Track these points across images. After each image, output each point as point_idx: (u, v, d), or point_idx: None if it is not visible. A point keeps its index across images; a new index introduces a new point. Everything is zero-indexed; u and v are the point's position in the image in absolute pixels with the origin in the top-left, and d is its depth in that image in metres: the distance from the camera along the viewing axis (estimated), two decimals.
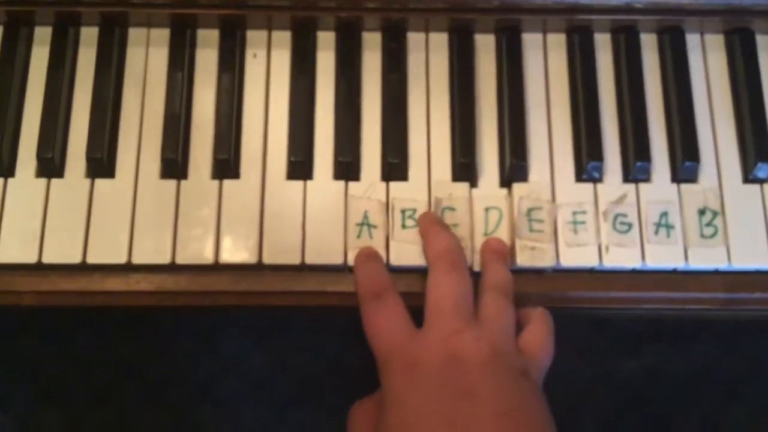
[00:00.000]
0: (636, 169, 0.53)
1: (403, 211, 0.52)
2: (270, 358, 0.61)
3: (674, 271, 0.52)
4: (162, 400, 0.59)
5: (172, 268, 0.50)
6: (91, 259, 0.49)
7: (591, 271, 0.52)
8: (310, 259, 0.51)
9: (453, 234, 0.50)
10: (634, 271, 0.52)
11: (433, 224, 0.51)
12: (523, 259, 0.51)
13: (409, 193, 0.52)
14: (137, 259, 0.50)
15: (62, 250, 0.49)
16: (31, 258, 0.49)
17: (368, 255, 0.50)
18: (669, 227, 0.52)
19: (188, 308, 0.51)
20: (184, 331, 0.61)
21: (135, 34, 0.55)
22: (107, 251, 0.50)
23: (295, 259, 0.51)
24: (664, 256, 0.52)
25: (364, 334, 0.48)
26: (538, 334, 0.49)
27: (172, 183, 0.51)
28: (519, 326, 0.50)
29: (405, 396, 0.45)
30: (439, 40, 0.56)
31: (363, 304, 0.49)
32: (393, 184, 0.53)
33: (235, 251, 0.50)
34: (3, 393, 0.58)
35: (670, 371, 0.63)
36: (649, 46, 0.56)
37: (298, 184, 0.52)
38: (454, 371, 0.44)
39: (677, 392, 0.62)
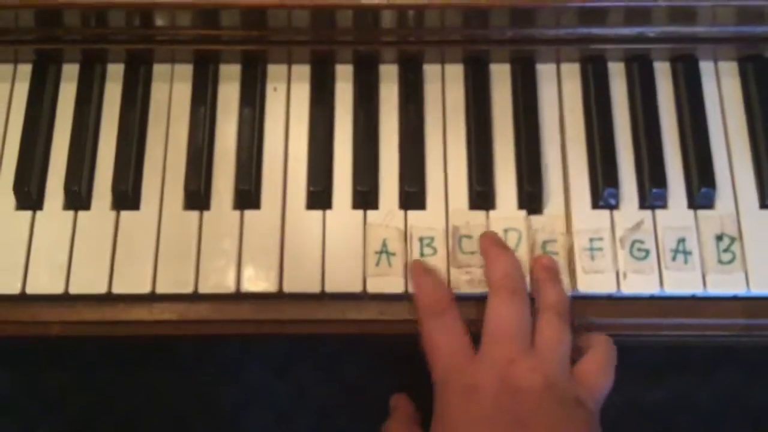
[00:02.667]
0: (652, 195, 0.53)
1: (421, 239, 0.53)
2: (291, 388, 0.61)
3: (693, 297, 0.52)
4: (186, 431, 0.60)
5: (195, 297, 0.51)
6: (117, 289, 0.51)
7: (609, 298, 0.52)
8: (329, 288, 0.52)
9: (513, 256, 0.51)
10: (652, 298, 0.52)
11: (492, 246, 0.51)
12: None
13: (427, 222, 0.53)
14: (161, 289, 0.51)
15: (89, 281, 0.51)
16: (58, 289, 0.50)
17: (424, 268, 0.51)
18: (686, 253, 0.52)
19: (210, 337, 0.52)
20: (206, 362, 0.62)
21: (159, 69, 0.56)
22: (132, 281, 0.51)
23: (315, 288, 0.51)
24: (682, 282, 0.52)
25: (422, 348, 0.49)
26: (596, 363, 0.49)
27: (195, 214, 0.53)
28: (579, 351, 0.49)
29: (460, 419, 0.46)
30: (455, 71, 0.57)
31: (424, 320, 0.49)
32: (411, 213, 0.53)
33: (257, 280, 0.51)
34: (29, 426, 0.59)
35: (696, 400, 0.62)
36: (663, 73, 0.57)
37: (317, 214, 0.53)
38: (509, 400, 0.45)
39: (704, 422, 0.62)
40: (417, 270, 0.51)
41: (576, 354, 0.49)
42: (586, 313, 0.52)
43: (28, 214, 0.52)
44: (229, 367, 0.62)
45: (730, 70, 0.57)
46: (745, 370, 0.63)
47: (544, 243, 0.52)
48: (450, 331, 0.49)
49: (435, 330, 0.49)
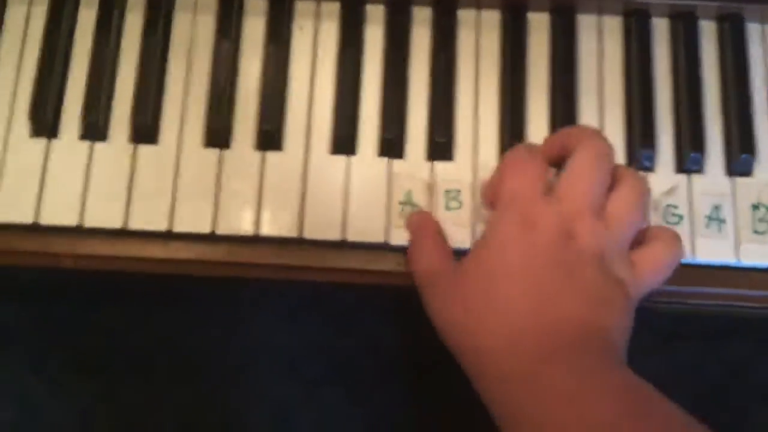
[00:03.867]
0: (689, 159, 0.51)
1: (447, 192, 0.51)
2: (303, 338, 0.60)
3: (725, 267, 0.51)
4: (193, 377, 0.59)
5: (212, 238, 0.49)
6: (132, 225, 0.49)
7: None
8: (351, 236, 0.50)
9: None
10: (683, 265, 0.51)
11: (584, 130, 0.50)
12: None
13: (455, 174, 0.51)
14: (178, 227, 0.49)
15: (103, 214, 0.49)
16: (72, 220, 0.49)
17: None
18: (721, 221, 0.51)
19: (226, 279, 0.50)
20: (217, 307, 0.60)
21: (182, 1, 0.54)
22: (148, 217, 0.49)
23: (335, 235, 0.50)
24: (714, 251, 0.50)
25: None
26: (656, 257, 0.47)
27: (215, 152, 0.51)
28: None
29: (511, 248, 0.45)
30: (491, 18, 0.54)
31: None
32: (438, 164, 0.51)
33: (276, 224, 0.50)
34: (38, 358, 0.58)
35: (702, 372, 0.61)
36: (708, 33, 0.54)
37: (341, 159, 0.51)
38: (564, 248, 0.45)
39: (710, 393, 0.61)
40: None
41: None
42: None
43: (43, 141, 0.50)
44: (241, 314, 0.61)
45: None
46: (755, 343, 0.62)
47: None
48: (534, 168, 0.47)
49: (520, 160, 0.48)
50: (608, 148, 0.48)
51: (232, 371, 0.59)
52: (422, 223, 0.50)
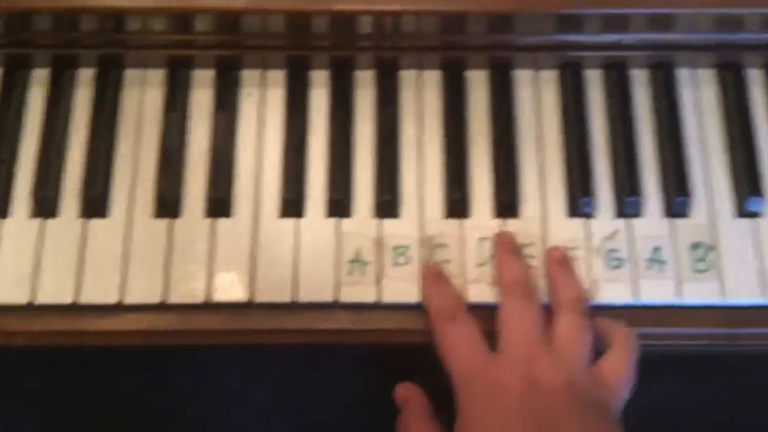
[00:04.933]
0: (627, 204, 0.53)
1: (395, 248, 0.52)
2: (270, 391, 0.60)
3: (670, 307, 0.52)
4: None
5: (164, 307, 0.50)
6: (84, 299, 0.50)
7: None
8: (302, 297, 0.51)
9: (525, 263, 0.51)
10: (627, 307, 0.52)
11: (504, 254, 0.51)
12: None
13: (402, 230, 0.52)
14: (129, 299, 0.50)
15: (55, 290, 0.50)
16: (23, 298, 0.49)
17: (436, 274, 0.51)
18: (662, 262, 0.52)
19: (180, 347, 0.51)
20: (183, 366, 0.61)
21: (131, 75, 0.56)
22: (99, 291, 0.50)
23: (286, 297, 0.51)
24: (657, 291, 0.51)
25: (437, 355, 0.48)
26: (618, 364, 0.48)
27: (165, 222, 0.52)
28: (599, 342, 0.49)
29: (486, 420, 0.45)
30: (432, 78, 0.56)
31: (437, 325, 0.49)
32: (385, 221, 0.53)
33: (227, 290, 0.51)
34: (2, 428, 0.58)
35: (677, 406, 0.61)
36: (640, 81, 0.56)
37: (290, 222, 0.52)
38: (536, 398, 0.45)
39: (682, 427, 0.61)
40: (428, 276, 0.51)
41: (594, 342, 0.48)
42: None
43: None
44: (206, 371, 0.61)
45: (707, 78, 0.57)
46: (729, 378, 0.62)
47: (522, 247, 0.52)
48: (467, 334, 0.48)
49: (450, 334, 0.48)
50: (525, 274, 0.49)
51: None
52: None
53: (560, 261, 0.51)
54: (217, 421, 0.60)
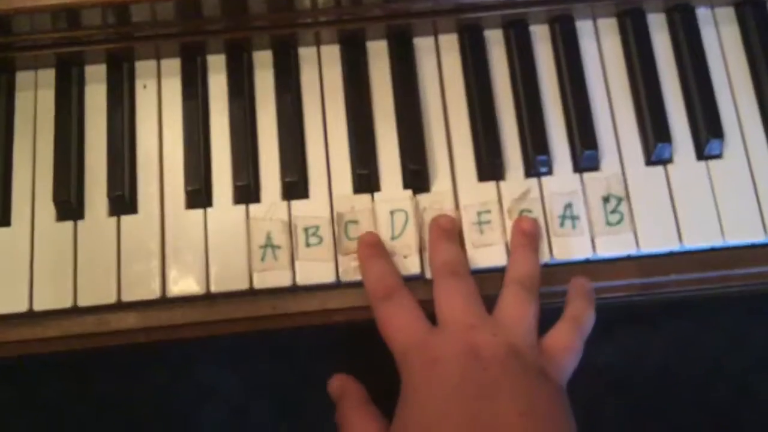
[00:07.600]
0: (536, 162, 0.53)
1: (306, 229, 0.52)
2: (246, 382, 0.58)
3: (586, 262, 0.52)
4: None
5: (76, 311, 0.50)
6: None
7: (502, 270, 0.52)
8: (216, 288, 0.50)
9: (455, 245, 0.50)
10: (545, 266, 0.52)
11: (435, 240, 0.50)
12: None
13: (311, 211, 0.52)
14: (39, 306, 0.49)
15: None
16: None
17: (370, 249, 0.50)
18: (574, 218, 0.52)
19: (98, 349, 0.50)
20: (156, 362, 0.59)
21: (22, 77, 0.54)
22: (7, 300, 0.49)
23: (200, 289, 0.50)
24: (571, 249, 0.51)
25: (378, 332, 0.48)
26: (563, 336, 0.48)
27: (68, 225, 0.51)
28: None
29: (426, 393, 0.45)
30: (331, 53, 0.55)
31: (375, 305, 0.49)
32: (294, 203, 0.52)
33: (139, 288, 0.50)
34: None
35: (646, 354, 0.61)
36: (541, 36, 0.56)
37: (198, 213, 0.52)
38: (474, 367, 0.45)
39: (656, 375, 0.61)
40: (363, 253, 0.50)
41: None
42: (482, 288, 0.51)
43: None
44: (181, 366, 0.59)
45: (609, 27, 0.56)
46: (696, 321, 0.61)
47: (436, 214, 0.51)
48: (404, 311, 0.48)
49: (387, 312, 0.48)
50: (455, 256, 0.49)
51: (179, 426, 0.58)
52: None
53: (525, 232, 0.50)
54: (194, 416, 0.58)
